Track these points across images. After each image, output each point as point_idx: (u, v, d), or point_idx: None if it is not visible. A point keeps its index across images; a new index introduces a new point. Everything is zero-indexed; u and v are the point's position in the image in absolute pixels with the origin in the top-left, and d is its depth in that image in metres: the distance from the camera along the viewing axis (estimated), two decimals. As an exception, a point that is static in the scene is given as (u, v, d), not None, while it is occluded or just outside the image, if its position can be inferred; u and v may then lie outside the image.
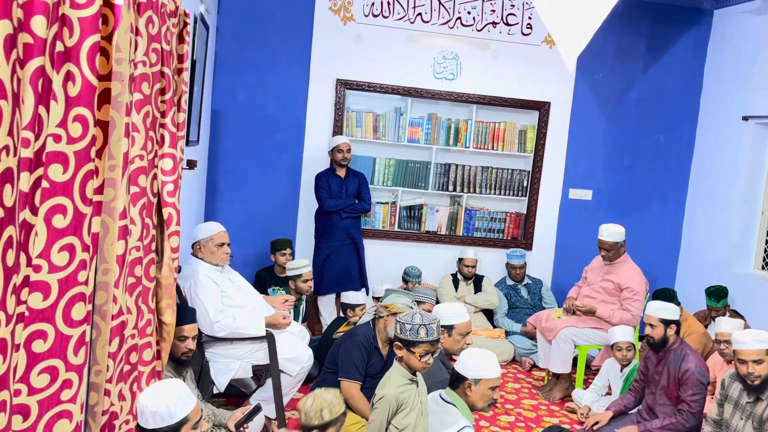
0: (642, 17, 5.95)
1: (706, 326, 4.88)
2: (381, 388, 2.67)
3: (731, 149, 5.68)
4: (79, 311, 1.68)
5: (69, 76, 1.57)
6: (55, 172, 1.56)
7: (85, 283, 1.69)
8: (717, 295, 4.90)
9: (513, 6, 5.81)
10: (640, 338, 5.17)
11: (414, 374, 2.71)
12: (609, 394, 4.39)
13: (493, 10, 5.79)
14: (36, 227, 1.54)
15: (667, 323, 3.70)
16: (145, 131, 2.20)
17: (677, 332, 3.75)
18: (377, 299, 5.14)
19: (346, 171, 5.36)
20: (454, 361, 3.59)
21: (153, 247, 2.34)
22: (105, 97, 1.83)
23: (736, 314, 5.06)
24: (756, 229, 5.56)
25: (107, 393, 2.10)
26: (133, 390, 2.38)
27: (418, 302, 4.30)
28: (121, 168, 1.97)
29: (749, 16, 5.56)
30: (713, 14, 6.01)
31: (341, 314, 5.02)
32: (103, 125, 1.85)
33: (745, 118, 5.47)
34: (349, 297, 4.83)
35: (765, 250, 5.55)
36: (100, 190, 1.86)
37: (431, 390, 2.92)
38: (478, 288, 5.66)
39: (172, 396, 2.14)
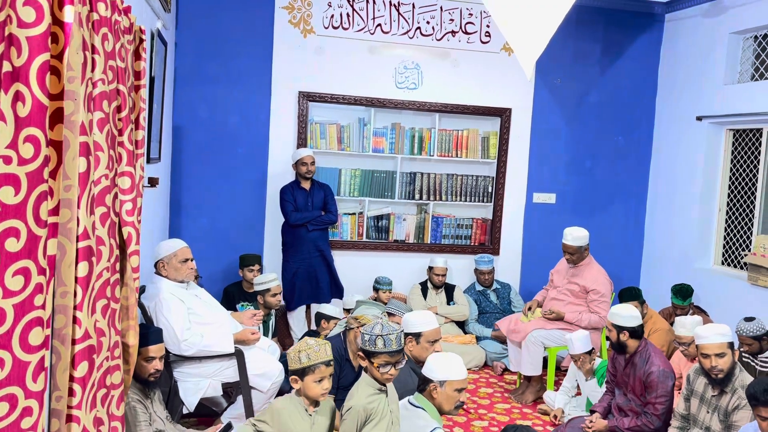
0: (597, 23, 6.09)
1: (671, 323, 4.98)
2: (349, 399, 2.66)
3: (687, 149, 5.84)
4: (36, 336, 1.64)
5: (18, 97, 1.54)
6: (6, 195, 1.52)
7: (42, 307, 1.65)
8: (683, 293, 4.99)
9: (471, 15, 5.89)
10: (608, 338, 5.25)
11: (383, 384, 2.71)
12: (578, 394, 4.44)
13: (452, 20, 5.86)
14: (-12, 252, 1.50)
15: (620, 329, 3.72)
16: (107, 150, 2.17)
17: (641, 333, 3.76)
18: (348, 311, 5.13)
19: (311, 183, 5.35)
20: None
21: (117, 267, 2.30)
22: (58, 117, 1.80)
23: (699, 311, 5.17)
24: (714, 226, 5.71)
25: (75, 419, 2.05)
26: (109, 413, 2.32)
27: (390, 314, 4.31)
28: (78, 188, 1.93)
29: (699, 19, 5.73)
30: (664, 18, 6.18)
31: (314, 326, 5.00)
32: (57, 145, 1.81)
33: (699, 118, 5.62)
34: (325, 309, 4.80)
35: (724, 246, 5.69)
36: (55, 212, 1.83)
37: (402, 398, 2.92)
38: (449, 297, 5.68)
39: None
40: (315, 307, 5.21)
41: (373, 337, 2.63)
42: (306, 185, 5.32)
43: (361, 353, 2.69)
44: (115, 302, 2.30)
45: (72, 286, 1.93)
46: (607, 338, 3.79)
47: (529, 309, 4.96)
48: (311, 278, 5.29)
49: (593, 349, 4.30)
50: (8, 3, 1.46)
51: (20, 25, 1.51)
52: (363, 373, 2.75)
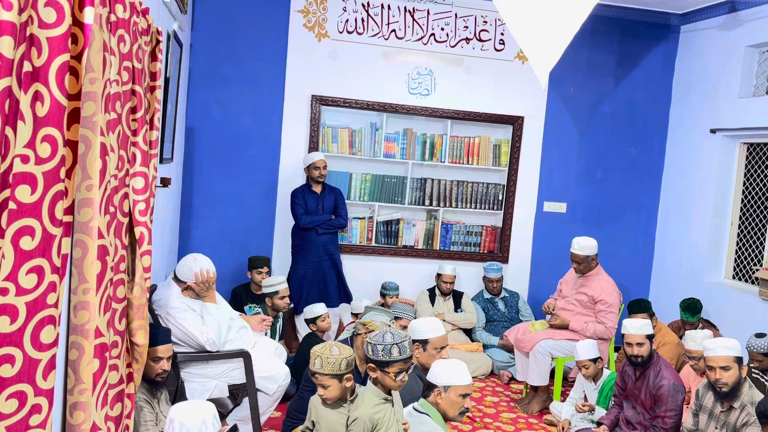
0: (612, 33, 6.07)
1: (680, 337, 4.94)
2: (354, 410, 2.64)
3: (700, 161, 5.80)
4: (48, 334, 1.65)
5: (37, 96, 1.55)
6: (23, 193, 1.53)
7: (55, 305, 1.66)
8: (692, 309, 4.96)
9: (486, 22, 5.89)
10: (616, 349, 5.23)
11: (389, 393, 2.70)
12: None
13: (466, 27, 5.86)
14: (3, 249, 1.51)
15: (651, 338, 3.75)
16: (118, 150, 2.18)
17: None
18: (356, 315, 5.12)
19: (323, 187, 5.36)
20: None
21: (122, 267, 2.30)
22: (74, 117, 1.82)
23: (709, 324, 5.13)
24: (726, 240, 5.66)
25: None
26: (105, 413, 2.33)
27: (396, 318, 4.30)
28: (98, 187, 1.94)
29: (714, 31, 5.70)
30: (680, 30, 6.15)
31: (308, 330, 4.98)
32: (72, 145, 1.83)
33: (713, 131, 5.59)
34: (306, 312, 4.79)
35: (735, 260, 5.65)
36: (69, 211, 1.84)
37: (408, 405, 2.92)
38: (457, 304, 5.67)
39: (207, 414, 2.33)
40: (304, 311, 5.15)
41: (388, 347, 2.60)
42: (317, 189, 5.33)
43: (371, 364, 2.66)
44: (117, 302, 2.31)
45: (94, 283, 1.94)
46: (634, 356, 3.75)
47: (549, 312, 4.94)
48: (319, 282, 5.29)
49: (600, 358, 4.28)
50: (30, 3, 1.48)
51: (41, 26, 1.53)
52: (368, 382, 2.73)
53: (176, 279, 3.54)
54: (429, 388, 2.85)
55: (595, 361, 4.24)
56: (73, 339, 1.99)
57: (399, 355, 2.61)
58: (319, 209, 5.30)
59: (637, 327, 3.74)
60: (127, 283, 2.41)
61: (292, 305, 5.27)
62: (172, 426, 2.30)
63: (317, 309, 4.77)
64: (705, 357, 3.35)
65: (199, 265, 3.50)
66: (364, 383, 3.35)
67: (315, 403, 2.77)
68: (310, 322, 4.74)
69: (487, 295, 5.82)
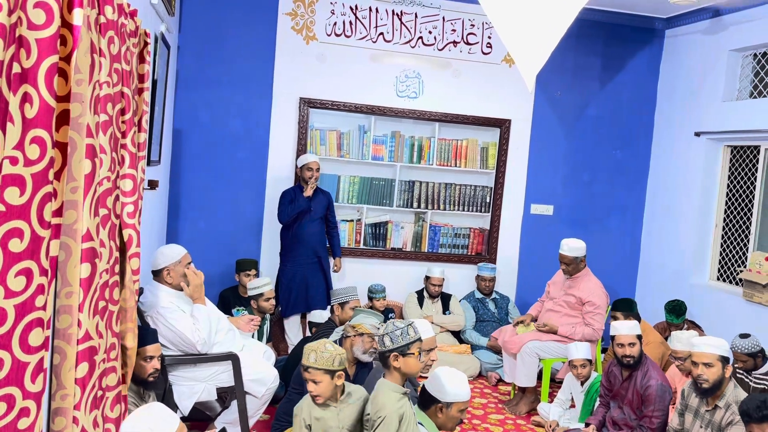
0: (597, 37, 6.13)
1: (666, 338, 4.99)
2: (381, 409, 2.65)
3: (685, 164, 5.86)
4: (36, 337, 1.64)
5: (26, 98, 1.54)
6: (12, 195, 1.53)
7: (43, 308, 1.65)
8: (677, 311, 5.01)
9: (473, 26, 5.92)
10: (603, 350, 5.27)
11: (404, 385, 2.75)
12: (573, 407, 4.45)
13: (454, 30, 5.89)
14: (-9, 252, 1.50)
15: (640, 339, 3.80)
16: (110, 152, 2.17)
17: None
18: (317, 325, 5.12)
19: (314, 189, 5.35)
20: (420, 377, 3.60)
21: (117, 269, 2.30)
22: (64, 119, 1.81)
23: (694, 326, 5.19)
24: (711, 241, 5.73)
25: (75, 421, 2.05)
26: (103, 415, 2.32)
27: (344, 303, 4.40)
28: (83, 190, 1.94)
29: (699, 36, 5.77)
30: (665, 34, 6.22)
31: (308, 333, 4.99)
32: (62, 147, 1.82)
33: (697, 134, 5.65)
34: (315, 316, 4.80)
35: (720, 262, 5.71)
36: (59, 213, 1.83)
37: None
38: (445, 306, 5.68)
39: (155, 418, 2.16)
40: (310, 314, 5.20)
41: (404, 329, 2.73)
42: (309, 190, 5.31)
43: (394, 353, 2.71)
44: (114, 304, 2.30)
45: (77, 286, 1.93)
46: (624, 357, 3.80)
47: (521, 323, 4.97)
48: (307, 284, 5.27)
49: (591, 360, 4.32)
50: (19, 5, 1.47)
51: (30, 27, 1.52)
52: (382, 379, 2.76)
53: (157, 275, 3.51)
54: (430, 401, 2.84)
55: (589, 361, 4.28)
56: (56, 343, 1.98)
57: (415, 334, 2.73)
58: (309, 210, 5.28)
59: (628, 327, 3.79)
60: (118, 285, 2.40)
61: (279, 308, 5.26)
62: None
63: (326, 315, 4.78)
64: (691, 353, 3.41)
65: (173, 249, 3.55)
66: (352, 382, 3.37)
67: (303, 406, 2.80)
68: (314, 326, 4.73)
69: (478, 295, 5.84)
